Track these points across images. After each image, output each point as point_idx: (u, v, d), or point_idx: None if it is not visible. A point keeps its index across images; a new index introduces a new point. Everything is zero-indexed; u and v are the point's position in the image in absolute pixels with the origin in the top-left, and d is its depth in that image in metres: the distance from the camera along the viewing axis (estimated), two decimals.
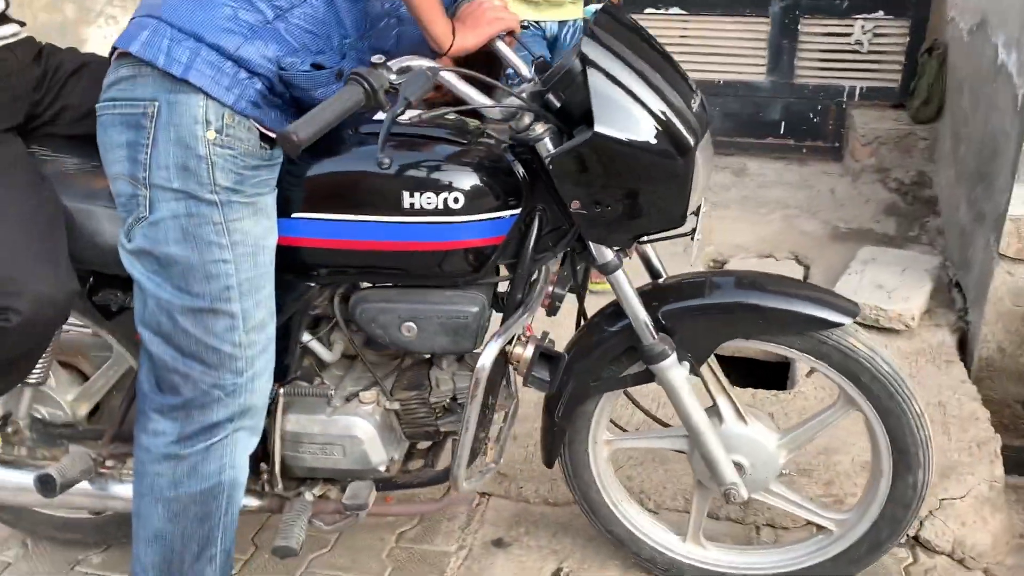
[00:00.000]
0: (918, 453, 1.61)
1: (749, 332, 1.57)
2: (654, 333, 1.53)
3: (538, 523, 2.07)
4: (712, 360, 1.64)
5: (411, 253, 1.47)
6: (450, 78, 1.35)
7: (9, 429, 1.77)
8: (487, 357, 1.49)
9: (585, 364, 1.64)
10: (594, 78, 1.32)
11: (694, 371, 1.59)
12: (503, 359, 1.56)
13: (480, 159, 1.46)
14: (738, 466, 1.67)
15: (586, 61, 1.32)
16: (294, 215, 1.48)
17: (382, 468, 1.67)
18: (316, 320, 1.67)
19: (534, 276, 1.61)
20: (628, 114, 1.33)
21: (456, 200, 1.43)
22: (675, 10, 3.98)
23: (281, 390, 1.62)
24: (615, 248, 1.48)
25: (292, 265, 1.51)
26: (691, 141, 1.37)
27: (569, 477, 1.82)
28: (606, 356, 1.63)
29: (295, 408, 1.66)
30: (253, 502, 1.71)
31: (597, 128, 1.32)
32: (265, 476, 1.70)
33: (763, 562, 1.83)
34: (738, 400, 1.69)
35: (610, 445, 1.83)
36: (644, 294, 1.56)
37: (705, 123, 1.42)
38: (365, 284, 1.60)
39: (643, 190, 1.39)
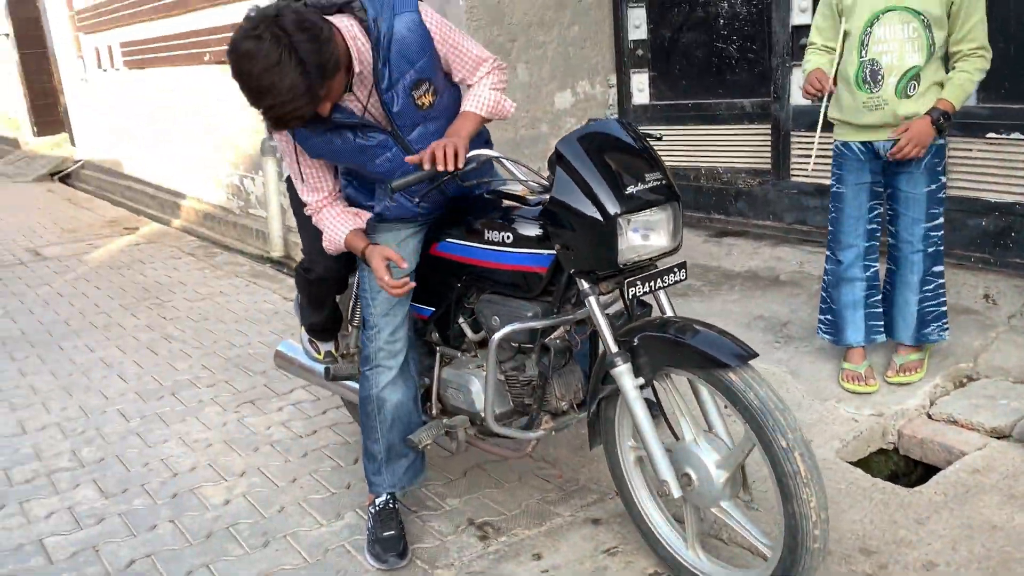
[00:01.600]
0: (790, 484, 1.83)
1: (677, 363, 2.00)
2: (612, 347, 2.06)
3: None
4: (675, 387, 2.08)
5: (491, 269, 2.30)
6: (507, 164, 2.34)
7: (340, 354, 2.93)
8: (498, 335, 2.21)
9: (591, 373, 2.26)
10: (560, 164, 2.04)
11: (648, 383, 2.06)
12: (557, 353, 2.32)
13: (522, 213, 2.24)
14: (687, 477, 2.05)
15: (557, 153, 2.05)
16: (447, 239, 2.41)
17: (482, 414, 2.37)
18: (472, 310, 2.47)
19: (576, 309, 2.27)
20: (571, 188, 2.01)
21: (508, 237, 2.23)
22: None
23: (439, 351, 2.62)
24: (589, 281, 2.09)
25: (446, 271, 2.44)
26: (612, 211, 1.95)
27: (611, 472, 2.37)
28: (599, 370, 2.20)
29: (449, 364, 2.61)
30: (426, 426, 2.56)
31: (552, 194, 2.06)
32: (430, 405, 2.66)
33: None
34: (696, 424, 2.06)
35: (635, 450, 2.25)
36: (622, 326, 2.13)
37: (655, 200, 1.99)
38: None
39: (585, 239, 2.02)
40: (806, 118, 4.10)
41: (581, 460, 2.93)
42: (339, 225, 2.37)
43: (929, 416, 2.84)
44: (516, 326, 2.21)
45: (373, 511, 2.55)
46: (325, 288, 2.72)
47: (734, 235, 4.57)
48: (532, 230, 2.19)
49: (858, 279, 2.97)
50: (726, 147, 4.53)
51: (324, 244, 2.41)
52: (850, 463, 2.69)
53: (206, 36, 7.15)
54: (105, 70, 10.31)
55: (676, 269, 2.10)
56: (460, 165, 2.10)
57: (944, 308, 2.94)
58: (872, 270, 2.97)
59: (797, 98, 4.13)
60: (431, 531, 2.62)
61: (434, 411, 2.67)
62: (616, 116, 4.94)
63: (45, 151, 13.92)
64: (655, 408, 2.19)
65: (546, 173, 2.17)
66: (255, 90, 1.91)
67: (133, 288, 5.79)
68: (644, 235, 2.01)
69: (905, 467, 2.83)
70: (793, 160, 4.23)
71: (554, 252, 2.13)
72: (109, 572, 2.53)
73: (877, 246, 2.97)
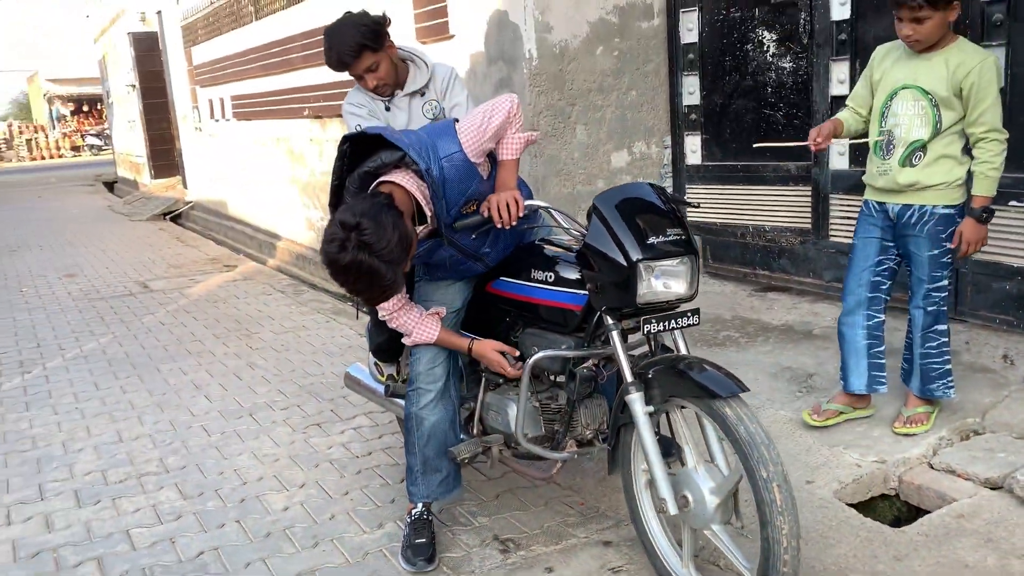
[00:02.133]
0: (766, 512, 2.08)
1: (681, 393, 2.29)
2: (628, 376, 2.37)
3: None
4: (684, 420, 2.38)
5: (535, 304, 2.67)
6: (555, 214, 2.70)
7: (401, 379, 3.24)
8: (532, 358, 2.58)
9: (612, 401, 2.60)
10: (595, 215, 2.40)
11: (657, 410, 2.36)
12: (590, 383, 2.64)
13: (564, 257, 2.63)
14: (685, 498, 2.31)
15: (594, 206, 2.42)
16: (501, 278, 2.78)
17: (517, 427, 2.68)
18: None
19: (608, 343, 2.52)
20: (603, 236, 2.36)
21: (550, 277, 2.61)
22: None
23: (485, 377, 2.91)
24: (613, 318, 2.41)
25: (498, 306, 2.81)
26: (634, 257, 2.27)
27: (624, 493, 2.66)
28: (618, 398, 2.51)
29: (493, 390, 2.91)
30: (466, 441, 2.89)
31: (586, 240, 2.42)
32: (472, 425, 2.97)
33: None
34: (698, 454, 2.33)
35: (646, 474, 2.52)
36: (650, 359, 2.47)
37: (674, 252, 2.31)
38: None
39: (611, 280, 2.34)
40: (844, 182, 4.34)
41: (603, 490, 3.21)
42: (427, 327, 2.73)
43: (930, 465, 3.02)
44: (549, 352, 2.56)
45: (409, 520, 2.89)
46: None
47: (777, 290, 4.79)
48: (571, 272, 2.54)
49: (859, 326, 3.19)
50: (771, 207, 4.78)
51: (408, 341, 2.78)
52: (849, 504, 2.89)
53: (305, 93, 7.80)
54: (217, 120, 11.20)
55: (690, 313, 2.41)
56: (520, 215, 2.51)
57: (948, 367, 3.12)
58: (875, 320, 3.18)
59: (837, 162, 4.37)
60: (459, 543, 2.94)
61: (475, 431, 3.00)
62: (669, 178, 5.25)
63: (160, 192, 15.03)
64: (669, 444, 2.48)
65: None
66: (353, 291, 2.36)
67: (226, 320, 6.35)
68: (665, 283, 2.33)
69: (906, 512, 3.01)
70: (832, 220, 4.46)
71: (587, 292, 2.47)
72: (181, 560, 2.94)
73: (883, 299, 3.18)
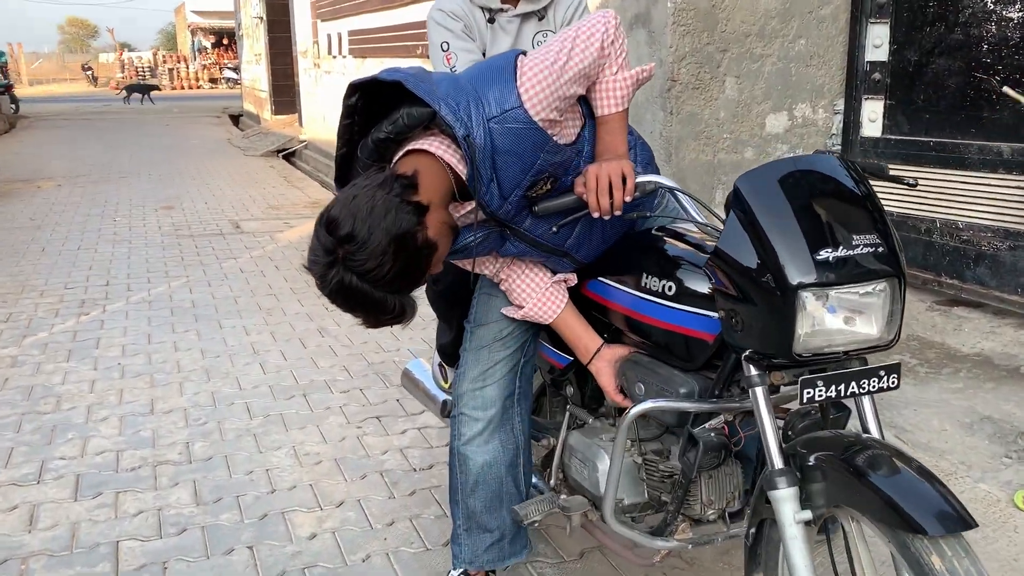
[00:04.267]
0: None
1: (856, 505, 1.43)
2: (777, 461, 1.52)
3: None
4: (856, 531, 1.50)
5: (645, 324, 1.82)
6: (683, 199, 1.94)
7: None
8: (635, 410, 1.76)
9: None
10: (736, 206, 1.55)
11: (816, 520, 1.50)
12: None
13: (692, 259, 1.74)
14: None
15: (736, 191, 1.55)
16: (599, 278, 1.96)
17: (606, 498, 1.88)
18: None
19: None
20: (743, 240, 1.51)
21: (670, 288, 1.75)
22: None
23: (570, 410, 2.17)
24: (759, 367, 1.56)
25: (594, 315, 1.97)
26: (794, 281, 1.43)
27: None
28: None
29: (578, 428, 2.15)
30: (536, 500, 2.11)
31: (718, 243, 1.56)
32: (550, 472, 2.23)
33: None
34: None
35: None
36: (804, 429, 1.66)
37: (868, 273, 1.44)
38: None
39: (754, 312, 1.52)
40: None
41: (724, 567, 2.37)
42: (548, 300, 1.94)
43: None
44: (660, 404, 1.74)
45: None
46: (455, 303, 2.35)
47: (967, 306, 3.75)
48: (702, 284, 1.69)
49: None
50: (972, 198, 3.73)
51: (517, 313, 1.97)
52: None
53: (417, 30, 7.09)
54: (334, 56, 10.67)
55: (883, 373, 1.51)
56: (628, 198, 1.67)
57: None
58: None
59: None
60: None
61: (553, 480, 2.23)
62: (837, 149, 4.24)
63: (278, 128, 14.76)
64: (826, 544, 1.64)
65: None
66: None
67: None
68: (847, 320, 1.47)
69: None
70: None
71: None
72: None
73: None
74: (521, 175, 1.67)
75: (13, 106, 20.28)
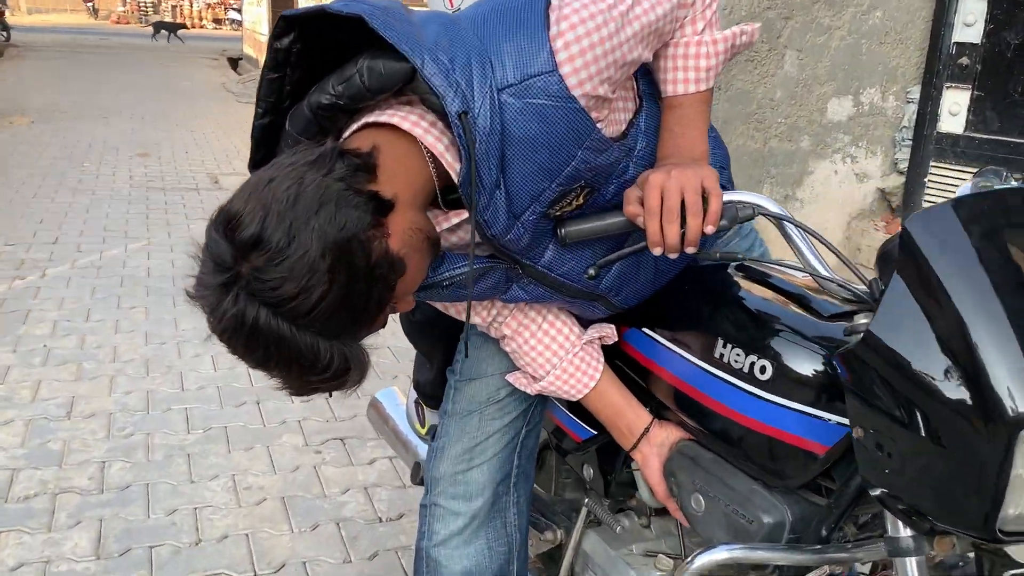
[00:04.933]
0: None
1: None
2: None
3: None
4: None
5: (713, 412, 1.21)
6: (792, 230, 1.15)
7: None
8: (693, 565, 1.14)
9: None
10: (905, 265, 0.93)
11: None
12: None
13: (801, 328, 1.13)
14: None
15: (905, 237, 0.93)
16: (644, 328, 1.34)
17: None
18: None
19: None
20: (917, 325, 0.90)
21: (763, 370, 1.14)
22: None
23: (588, 503, 1.54)
24: (916, 527, 0.99)
25: (631, 375, 1.37)
26: (1011, 413, 0.82)
27: None
28: None
29: (596, 528, 1.55)
30: None
31: (871, 326, 0.95)
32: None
33: None
34: None
35: None
36: None
37: None
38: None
39: (920, 445, 0.90)
40: None
41: None
42: (578, 369, 1.33)
43: None
44: (737, 553, 1.13)
45: None
46: (434, 335, 1.73)
47: None
48: (812, 367, 1.10)
49: None
50: None
51: (529, 385, 1.37)
52: None
53: None
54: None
55: None
56: (712, 229, 1.05)
57: None
58: None
59: None
60: None
61: None
62: (890, 144, 3.59)
63: None
64: None
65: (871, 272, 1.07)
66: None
67: None
68: None
69: None
70: None
71: (849, 430, 1.02)
72: None
73: None
74: (544, 181, 1.06)
75: (4, 34, 19.41)
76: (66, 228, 5.13)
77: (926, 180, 3.54)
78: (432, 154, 1.03)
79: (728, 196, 1.13)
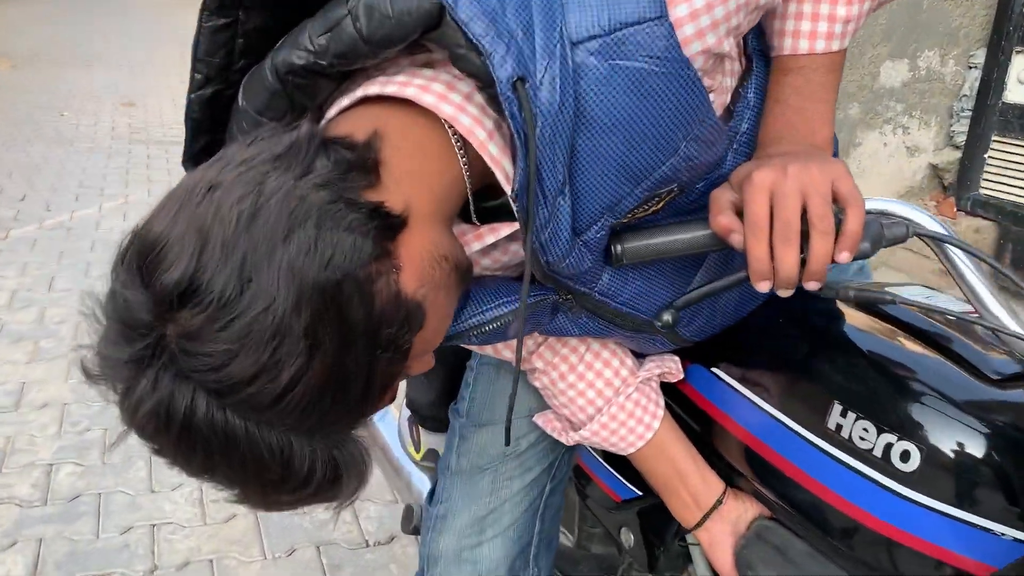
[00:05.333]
0: None
1: None
2: None
3: None
4: None
5: (822, 502, 0.87)
6: (960, 262, 0.85)
7: None
8: None
9: None
10: None
11: None
12: None
13: (969, 404, 0.79)
14: None
15: None
16: (714, 367, 1.00)
17: None
18: None
19: None
20: None
21: (906, 456, 0.80)
22: None
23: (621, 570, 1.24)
24: None
25: (690, 424, 1.03)
26: None
27: None
28: None
29: None
30: None
31: None
32: None
33: None
34: None
35: None
36: None
37: None
38: None
39: None
40: None
41: None
42: (639, 406, 0.99)
43: None
44: None
45: None
46: (440, 358, 1.38)
47: None
48: (980, 456, 0.80)
49: None
50: None
51: (566, 435, 1.04)
52: None
53: None
54: None
55: None
56: (847, 256, 0.71)
57: None
58: None
59: None
60: None
61: None
62: (947, 114, 3.21)
63: None
64: None
65: None
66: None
67: None
68: None
69: None
70: None
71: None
72: None
73: None
74: (625, 185, 0.73)
75: None
76: (36, 183, 4.75)
77: (986, 156, 3.17)
78: (465, 143, 0.68)
79: (872, 203, 0.78)
